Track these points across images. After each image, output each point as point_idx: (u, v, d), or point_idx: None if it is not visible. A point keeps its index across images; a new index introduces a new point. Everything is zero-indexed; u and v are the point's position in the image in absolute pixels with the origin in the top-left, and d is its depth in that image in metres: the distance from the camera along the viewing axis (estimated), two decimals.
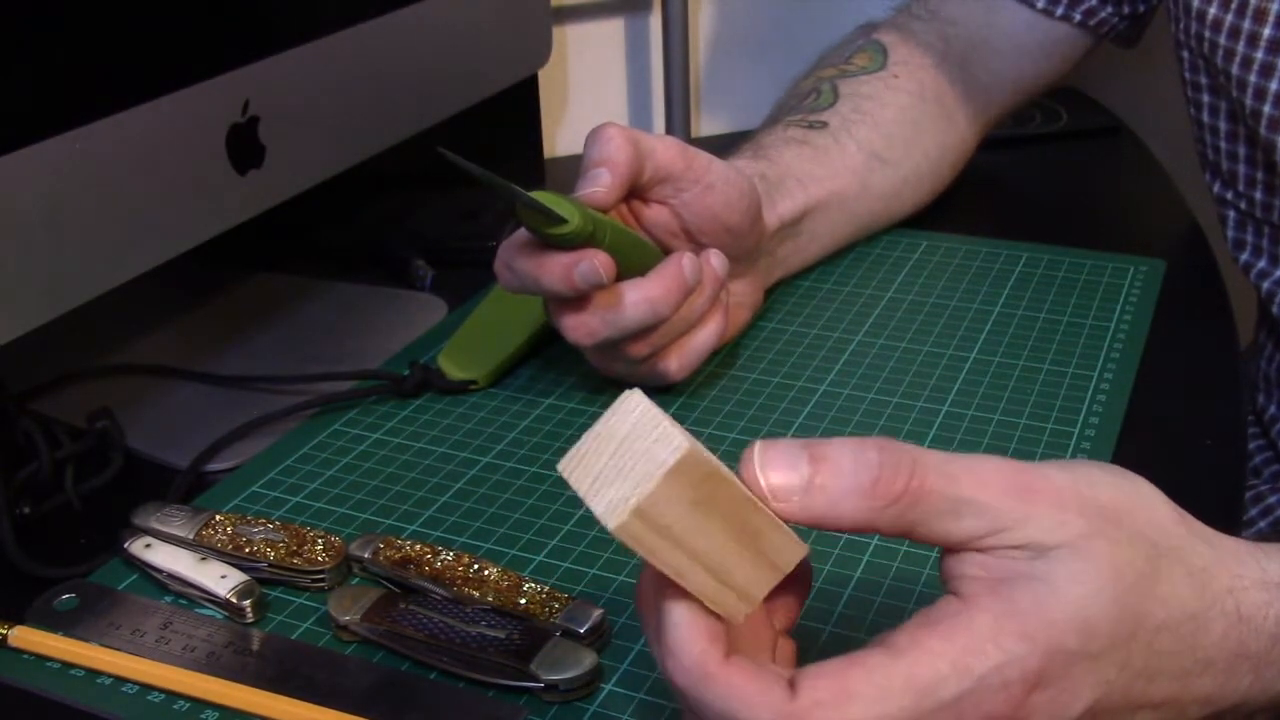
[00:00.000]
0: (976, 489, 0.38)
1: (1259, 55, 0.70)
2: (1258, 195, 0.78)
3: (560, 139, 1.07)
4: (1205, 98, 0.78)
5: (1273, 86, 0.70)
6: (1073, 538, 0.39)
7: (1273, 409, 0.85)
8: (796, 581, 0.42)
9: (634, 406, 0.38)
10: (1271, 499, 0.81)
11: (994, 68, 0.86)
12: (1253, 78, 0.71)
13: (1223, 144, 0.78)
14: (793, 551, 0.40)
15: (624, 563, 0.55)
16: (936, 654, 0.37)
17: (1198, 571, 0.41)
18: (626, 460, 0.37)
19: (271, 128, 0.67)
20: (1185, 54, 0.78)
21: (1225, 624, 0.41)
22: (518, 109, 0.97)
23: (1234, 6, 0.71)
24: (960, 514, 0.38)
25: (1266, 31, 0.70)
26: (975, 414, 0.65)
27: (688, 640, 0.38)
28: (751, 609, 0.39)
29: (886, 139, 0.81)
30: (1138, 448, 0.62)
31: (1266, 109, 0.71)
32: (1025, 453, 0.62)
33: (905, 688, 0.36)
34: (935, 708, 0.36)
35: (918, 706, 0.36)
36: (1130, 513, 0.41)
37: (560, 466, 0.38)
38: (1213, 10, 0.73)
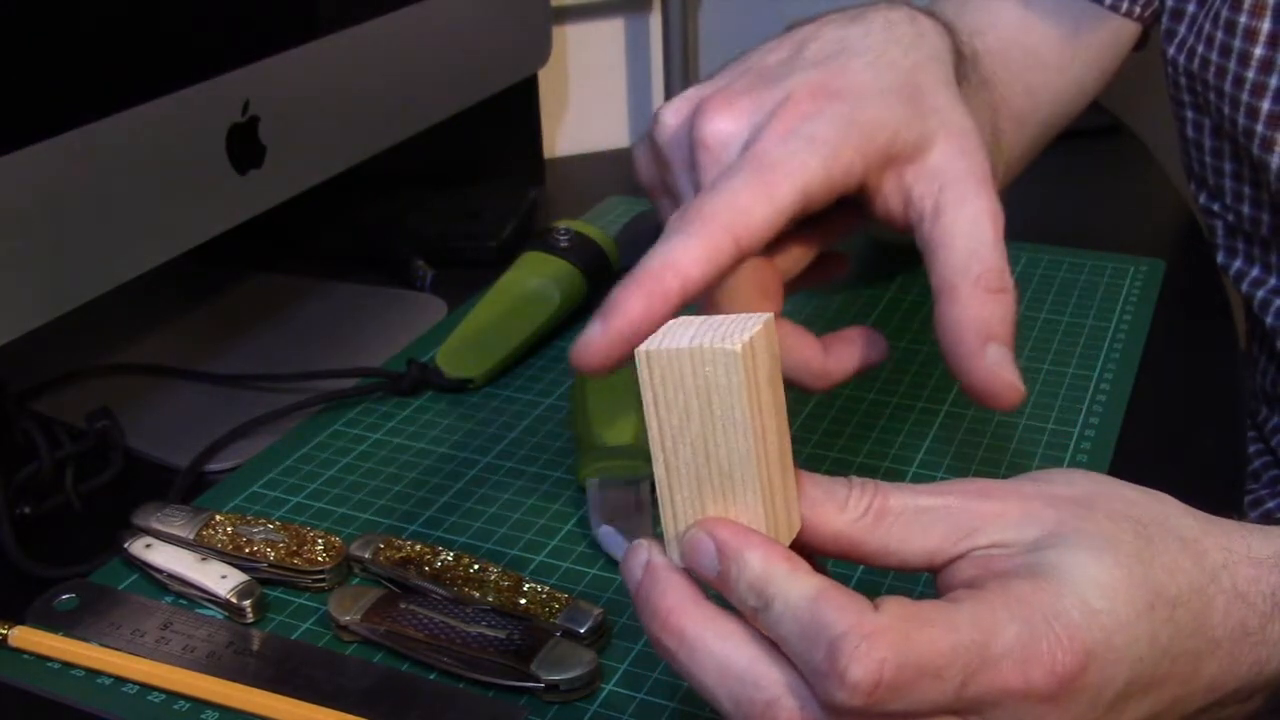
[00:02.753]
0: (936, 497, 0.41)
1: (1250, 74, 0.70)
2: (1245, 209, 0.77)
3: (560, 139, 1.07)
4: (1189, 114, 0.78)
5: (1265, 106, 0.70)
6: (1049, 528, 0.40)
7: (1275, 420, 0.85)
8: None
9: (691, 319, 0.40)
10: (1271, 504, 0.81)
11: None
12: (1245, 96, 0.70)
13: (1208, 159, 0.78)
14: (795, 514, 0.40)
15: None
16: (993, 604, 0.37)
17: (1190, 542, 0.41)
18: (716, 330, 0.38)
19: (271, 128, 0.67)
20: (1170, 70, 0.77)
21: (1225, 600, 0.40)
22: (518, 109, 0.97)
23: (1223, 23, 0.71)
24: (926, 521, 0.40)
25: (1258, 51, 0.69)
26: (975, 414, 0.65)
27: (759, 543, 0.38)
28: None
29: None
30: (1138, 448, 0.62)
31: (1259, 128, 0.70)
32: (1025, 453, 0.62)
33: (972, 626, 0.37)
34: (1002, 651, 0.36)
35: (986, 644, 0.36)
36: (1100, 497, 0.41)
37: (639, 351, 0.38)
38: (1206, 26, 0.72)
